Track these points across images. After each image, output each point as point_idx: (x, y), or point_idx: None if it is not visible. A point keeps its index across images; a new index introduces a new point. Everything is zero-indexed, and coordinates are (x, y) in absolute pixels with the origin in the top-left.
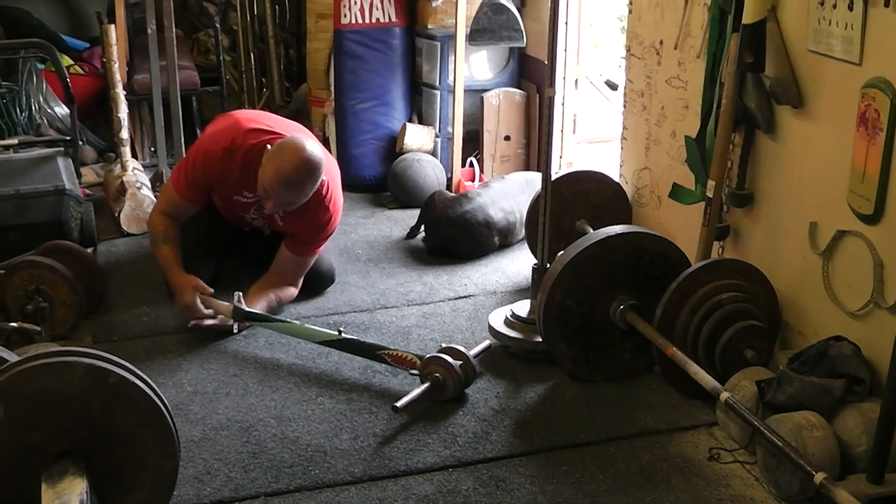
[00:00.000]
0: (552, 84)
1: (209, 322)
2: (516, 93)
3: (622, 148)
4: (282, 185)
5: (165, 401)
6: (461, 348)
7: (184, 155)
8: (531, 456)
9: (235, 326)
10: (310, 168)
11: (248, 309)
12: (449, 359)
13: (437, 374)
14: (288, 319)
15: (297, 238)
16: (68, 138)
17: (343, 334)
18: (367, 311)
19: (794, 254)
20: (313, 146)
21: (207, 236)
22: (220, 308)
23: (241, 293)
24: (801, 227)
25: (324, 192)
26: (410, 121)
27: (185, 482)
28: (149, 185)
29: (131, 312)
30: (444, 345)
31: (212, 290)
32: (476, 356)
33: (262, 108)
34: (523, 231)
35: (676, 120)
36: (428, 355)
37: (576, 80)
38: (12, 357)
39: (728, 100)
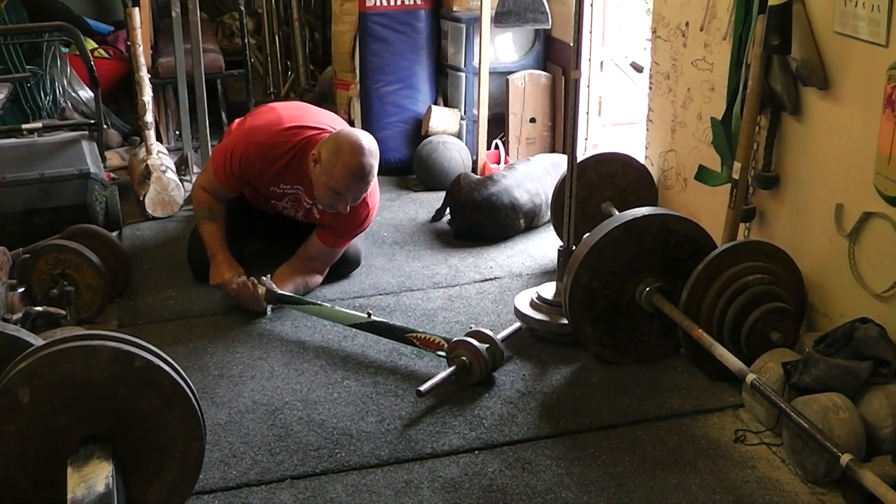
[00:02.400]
0: (578, 66)
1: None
2: (542, 75)
3: (648, 130)
4: (355, 180)
5: (191, 384)
6: (489, 332)
7: (209, 140)
8: (557, 438)
9: (269, 309)
10: (374, 153)
11: (280, 291)
12: (475, 342)
13: (464, 358)
14: (318, 302)
15: (331, 230)
16: (93, 122)
17: (372, 317)
18: (393, 293)
19: (820, 236)
20: (366, 134)
21: (233, 221)
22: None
23: (270, 276)
24: (827, 209)
25: None
26: (436, 103)
27: (211, 466)
28: (173, 168)
29: (157, 296)
30: (472, 327)
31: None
32: (504, 340)
33: (287, 91)
34: (549, 213)
35: (702, 102)
36: (455, 338)
37: (601, 63)
38: (38, 341)
39: (754, 82)
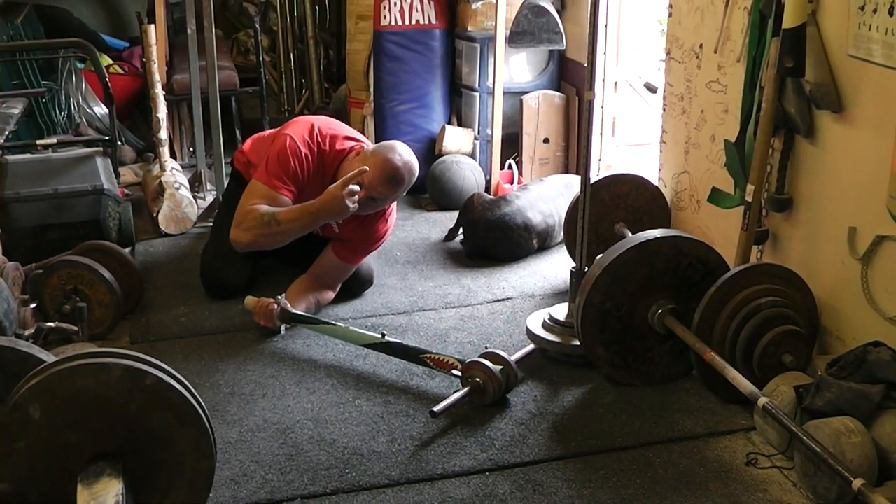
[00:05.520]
0: (591, 87)
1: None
2: (556, 95)
3: (661, 151)
4: (385, 179)
5: (202, 402)
6: (503, 353)
7: (223, 157)
8: (568, 460)
9: (283, 328)
10: (413, 171)
11: (294, 311)
12: (489, 364)
13: (478, 379)
14: (333, 322)
15: (348, 245)
16: (107, 138)
17: (386, 337)
18: (405, 313)
19: (833, 259)
20: (412, 153)
21: None
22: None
23: (285, 295)
24: (841, 231)
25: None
26: (449, 123)
27: (221, 484)
28: (187, 185)
29: (169, 313)
30: (487, 347)
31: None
32: (518, 362)
33: (301, 109)
34: (562, 234)
35: (716, 124)
36: (469, 359)
37: (615, 83)
38: (49, 357)
39: (768, 104)
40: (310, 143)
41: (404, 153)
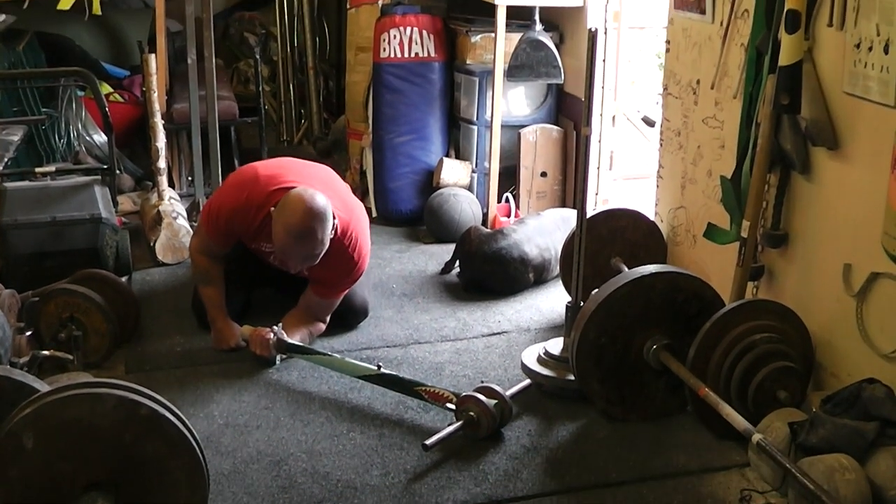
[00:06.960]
0: (588, 123)
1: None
2: (553, 129)
3: (658, 186)
4: (294, 241)
5: (195, 433)
6: (498, 388)
7: (219, 185)
8: (562, 495)
9: (278, 358)
10: (315, 215)
11: (290, 341)
12: (484, 398)
13: (472, 413)
14: (329, 353)
15: (322, 284)
16: (106, 166)
17: (382, 369)
18: (401, 346)
19: (829, 295)
20: (315, 194)
21: (238, 268)
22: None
23: (280, 325)
24: (836, 268)
25: (347, 242)
26: (447, 155)
27: None
28: (185, 214)
29: (165, 342)
30: (482, 382)
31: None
32: (513, 396)
33: (300, 139)
34: (558, 268)
35: (712, 159)
36: (464, 393)
37: (613, 117)
38: (44, 386)
39: (764, 140)
40: (241, 205)
41: (306, 206)
